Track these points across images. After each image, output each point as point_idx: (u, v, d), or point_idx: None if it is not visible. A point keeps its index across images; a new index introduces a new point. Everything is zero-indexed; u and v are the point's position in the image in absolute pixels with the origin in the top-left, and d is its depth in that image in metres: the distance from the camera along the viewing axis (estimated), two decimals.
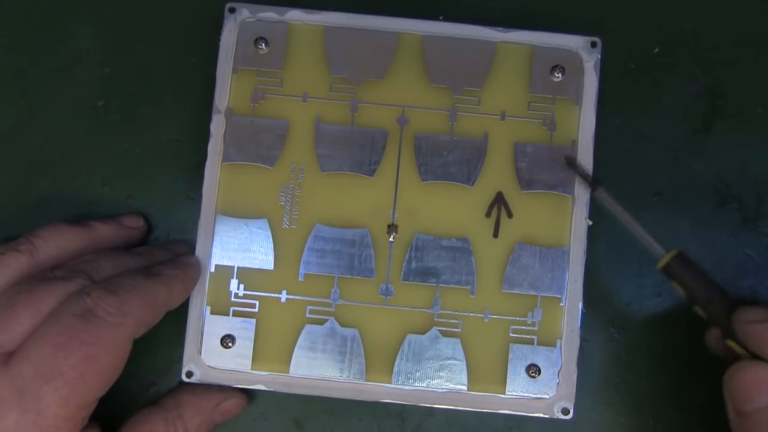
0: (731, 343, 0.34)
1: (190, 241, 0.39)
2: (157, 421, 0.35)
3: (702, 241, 0.40)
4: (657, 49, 0.41)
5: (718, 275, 0.38)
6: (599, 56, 0.39)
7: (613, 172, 0.39)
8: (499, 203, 0.38)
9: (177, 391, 0.37)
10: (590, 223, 0.38)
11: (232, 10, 0.39)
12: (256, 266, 0.38)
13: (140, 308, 0.33)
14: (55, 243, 0.36)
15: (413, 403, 0.37)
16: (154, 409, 0.36)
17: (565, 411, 0.37)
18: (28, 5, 0.41)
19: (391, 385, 0.37)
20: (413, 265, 0.38)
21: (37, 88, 0.41)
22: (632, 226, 0.36)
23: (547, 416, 0.37)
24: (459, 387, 0.37)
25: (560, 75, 0.38)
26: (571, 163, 0.38)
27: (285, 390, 0.37)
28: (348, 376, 0.37)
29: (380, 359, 0.37)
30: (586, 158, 0.38)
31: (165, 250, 0.38)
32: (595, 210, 0.38)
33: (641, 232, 0.36)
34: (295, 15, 0.39)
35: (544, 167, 0.38)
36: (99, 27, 0.41)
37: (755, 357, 0.33)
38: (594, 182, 0.37)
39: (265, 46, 0.39)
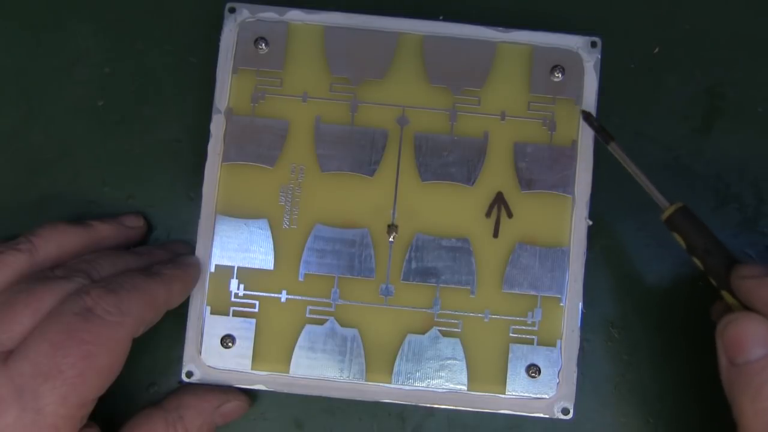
0: (725, 295, 0.34)
1: (190, 241, 0.39)
2: (158, 422, 0.35)
3: None
4: (657, 49, 0.41)
5: None
6: (599, 56, 0.39)
7: (614, 172, 0.39)
8: (499, 203, 0.38)
9: (178, 392, 0.37)
10: (590, 223, 0.38)
11: (232, 10, 0.39)
12: (256, 266, 0.38)
13: (139, 307, 0.33)
14: (55, 242, 0.36)
15: (413, 403, 0.37)
16: (155, 410, 0.36)
17: (565, 411, 0.37)
18: (28, 5, 0.41)
19: (391, 385, 0.37)
20: (413, 265, 0.38)
21: (37, 88, 0.41)
22: (641, 179, 0.36)
23: (547, 416, 0.37)
24: (459, 387, 0.37)
25: (560, 75, 0.38)
26: (588, 119, 0.38)
27: (285, 390, 0.37)
28: (348, 376, 0.37)
29: (380, 359, 0.37)
30: (586, 158, 0.38)
31: (165, 250, 0.38)
32: (595, 210, 0.38)
33: (649, 185, 0.36)
34: (295, 15, 0.39)
35: (544, 167, 0.38)
36: (99, 27, 0.41)
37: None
38: (608, 137, 0.37)
39: (265, 46, 0.39)
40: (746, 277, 0.33)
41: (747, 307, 0.33)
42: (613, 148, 0.37)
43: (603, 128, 0.37)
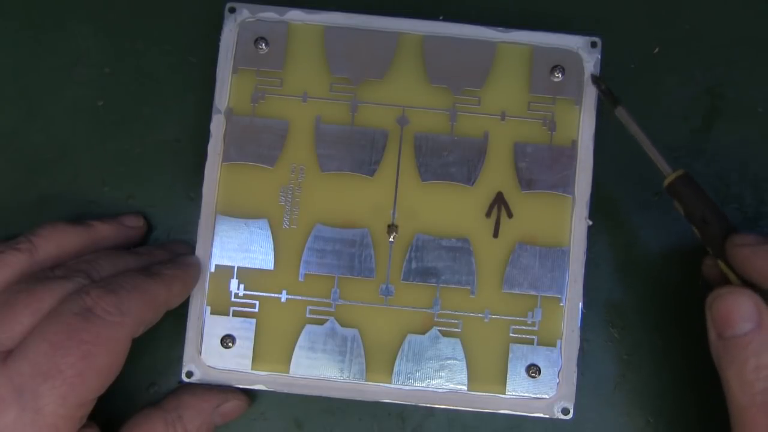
0: (721, 264, 0.35)
1: (190, 242, 0.39)
2: (157, 422, 0.35)
3: None
4: (657, 49, 0.41)
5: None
6: (599, 56, 0.39)
7: (614, 172, 0.39)
8: (499, 203, 0.38)
9: (177, 392, 0.37)
10: (590, 223, 0.38)
11: (232, 10, 0.39)
12: (256, 266, 0.38)
13: (139, 307, 0.33)
14: (55, 242, 0.36)
15: (413, 403, 0.37)
16: (154, 410, 0.36)
17: (565, 411, 0.37)
18: (28, 5, 0.41)
19: (392, 385, 0.37)
20: (413, 265, 0.38)
21: (37, 88, 0.41)
22: (646, 145, 0.36)
23: (547, 416, 0.37)
24: (459, 387, 0.37)
25: (560, 75, 0.38)
26: (596, 81, 0.38)
27: (285, 390, 0.37)
28: (348, 376, 0.37)
29: (380, 359, 0.37)
30: (586, 158, 0.38)
31: (165, 250, 0.38)
32: (595, 210, 0.38)
33: (653, 151, 0.36)
34: (295, 15, 0.39)
35: (544, 167, 0.38)
36: (99, 27, 0.41)
37: (743, 281, 0.34)
38: (616, 100, 0.37)
39: (265, 46, 0.39)
40: (741, 245, 0.34)
41: (742, 278, 0.34)
42: (620, 112, 0.37)
43: (610, 91, 0.37)
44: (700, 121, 0.40)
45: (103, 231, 0.38)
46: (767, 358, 0.32)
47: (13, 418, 0.30)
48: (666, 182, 0.35)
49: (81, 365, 0.31)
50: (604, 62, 0.39)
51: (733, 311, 0.33)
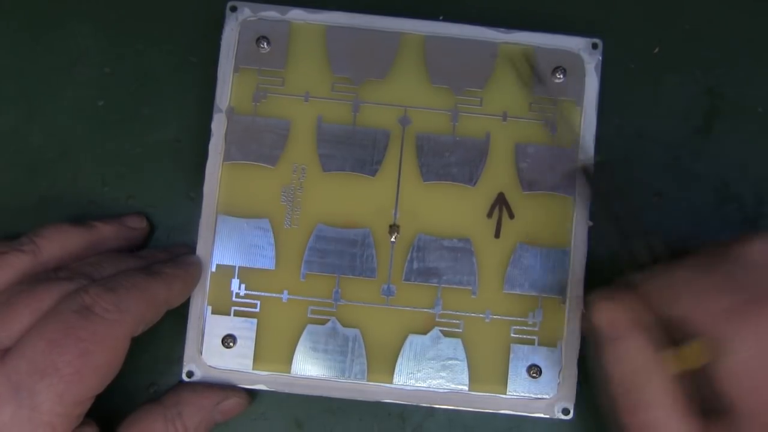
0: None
1: (191, 241, 0.38)
2: (156, 419, 0.35)
3: (702, 241, 0.40)
4: (657, 49, 0.41)
5: None
6: (600, 57, 0.39)
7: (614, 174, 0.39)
8: (500, 204, 0.38)
9: (177, 389, 0.37)
10: (591, 224, 0.38)
11: (234, 9, 0.39)
12: (258, 266, 0.38)
13: (138, 305, 0.33)
14: (58, 243, 0.36)
15: (414, 403, 0.37)
16: (154, 406, 0.36)
17: (566, 411, 0.37)
18: (28, 5, 0.41)
19: (393, 385, 0.37)
20: (415, 265, 0.38)
21: (37, 88, 0.41)
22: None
23: (547, 416, 0.37)
24: (460, 387, 0.37)
25: (561, 76, 0.39)
26: (587, 173, 0.38)
27: (286, 390, 0.37)
28: (349, 376, 0.37)
29: (382, 359, 0.37)
30: (587, 157, 0.38)
31: (167, 253, 0.38)
32: (596, 212, 0.38)
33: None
34: (296, 14, 0.39)
35: (545, 168, 0.38)
36: (99, 27, 0.41)
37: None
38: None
39: (267, 45, 0.39)
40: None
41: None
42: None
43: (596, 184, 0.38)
44: (700, 121, 0.41)
45: (106, 232, 0.37)
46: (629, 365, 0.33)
47: (9, 416, 0.30)
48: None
49: (78, 363, 0.31)
50: (605, 63, 0.39)
51: (606, 321, 0.34)
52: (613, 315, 0.34)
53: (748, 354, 0.31)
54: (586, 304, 0.35)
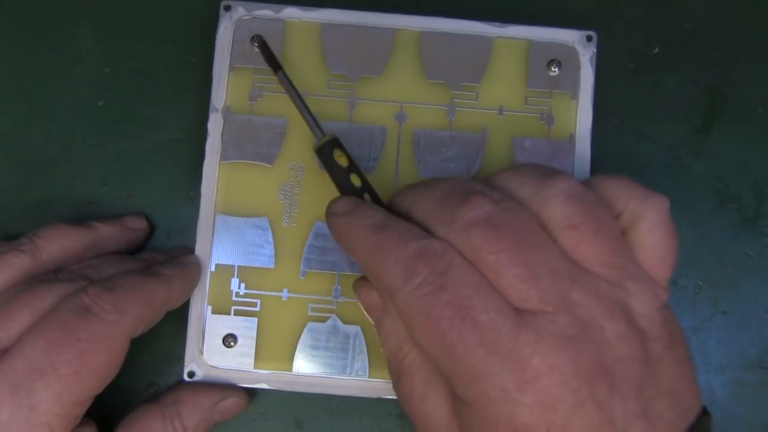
0: None
1: (191, 241, 0.38)
2: (155, 418, 0.35)
3: (702, 241, 0.39)
4: (657, 49, 0.41)
5: (719, 275, 0.38)
6: (595, 50, 0.38)
7: (611, 166, 0.39)
8: None
9: (176, 388, 0.37)
10: None
11: (228, 8, 0.39)
12: (257, 265, 0.38)
13: (137, 306, 0.33)
14: (58, 243, 0.36)
15: None
16: (153, 406, 0.36)
17: None
18: (28, 5, 0.41)
19: None
20: None
21: (37, 88, 0.41)
22: (301, 110, 0.36)
23: None
24: None
25: (557, 69, 0.38)
26: (262, 46, 0.38)
27: (288, 388, 0.37)
28: (351, 373, 0.37)
29: (383, 356, 0.37)
30: (583, 152, 0.38)
31: (167, 256, 0.38)
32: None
33: (307, 116, 0.36)
34: (291, 12, 0.39)
35: (542, 161, 0.38)
36: (99, 27, 0.41)
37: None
38: (276, 65, 0.37)
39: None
40: (336, 214, 0.34)
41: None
42: (280, 77, 0.37)
43: (273, 57, 0.38)
44: (700, 121, 0.40)
45: (105, 232, 0.38)
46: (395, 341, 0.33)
47: (7, 416, 0.30)
48: (315, 147, 0.36)
49: (77, 363, 0.31)
50: (605, 62, 0.39)
51: (364, 305, 0.35)
52: (367, 299, 0.34)
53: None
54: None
